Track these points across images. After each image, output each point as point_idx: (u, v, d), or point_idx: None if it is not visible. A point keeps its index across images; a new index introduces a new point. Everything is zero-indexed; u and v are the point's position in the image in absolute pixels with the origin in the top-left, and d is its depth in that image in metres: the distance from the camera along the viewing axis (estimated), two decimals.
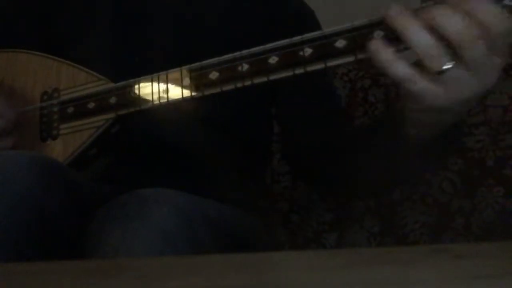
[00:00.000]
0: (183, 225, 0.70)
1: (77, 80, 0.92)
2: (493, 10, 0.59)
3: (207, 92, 0.80)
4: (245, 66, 0.76)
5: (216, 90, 0.79)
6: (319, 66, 0.73)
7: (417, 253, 0.50)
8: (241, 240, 0.88)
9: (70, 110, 0.91)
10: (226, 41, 0.95)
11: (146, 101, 0.84)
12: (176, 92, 0.82)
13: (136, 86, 0.85)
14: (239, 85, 0.77)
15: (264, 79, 0.76)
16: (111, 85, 0.88)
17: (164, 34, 0.98)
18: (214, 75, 0.79)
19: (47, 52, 0.97)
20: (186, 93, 0.81)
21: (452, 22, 0.60)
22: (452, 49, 0.61)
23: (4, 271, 0.51)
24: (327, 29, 0.73)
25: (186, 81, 0.81)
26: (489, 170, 1.27)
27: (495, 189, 1.26)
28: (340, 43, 0.72)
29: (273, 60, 0.75)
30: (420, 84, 0.63)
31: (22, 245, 0.71)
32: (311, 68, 0.74)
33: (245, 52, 0.77)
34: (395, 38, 0.65)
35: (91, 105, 0.89)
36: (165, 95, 0.82)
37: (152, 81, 0.84)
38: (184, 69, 0.81)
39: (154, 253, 0.66)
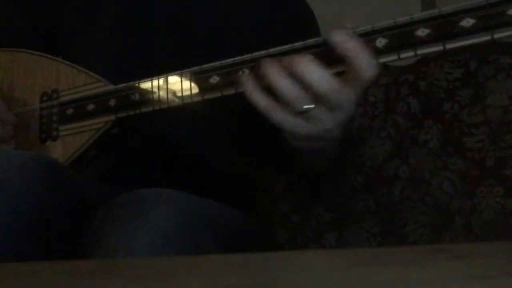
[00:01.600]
0: (183, 225, 0.70)
1: (76, 81, 0.92)
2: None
3: (207, 96, 0.79)
4: (246, 71, 0.76)
5: (217, 94, 0.78)
6: None
7: (417, 253, 0.50)
8: (241, 240, 0.88)
9: (70, 111, 0.91)
10: (227, 44, 0.94)
11: (146, 103, 0.84)
12: (176, 95, 0.82)
13: (136, 89, 0.85)
14: (240, 89, 0.77)
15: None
16: (111, 87, 0.88)
17: (165, 37, 0.98)
18: (214, 79, 0.78)
19: (48, 52, 0.97)
20: (186, 96, 0.81)
21: (313, 73, 0.67)
22: (311, 93, 0.68)
23: (4, 271, 0.51)
24: (330, 36, 0.73)
25: (186, 84, 0.81)
26: (489, 170, 1.27)
27: (495, 189, 1.26)
28: None
29: None
30: (280, 116, 0.70)
31: (22, 245, 0.71)
32: None
33: (246, 56, 0.76)
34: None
35: (91, 107, 0.89)
36: (165, 98, 0.82)
37: (152, 83, 0.83)
38: (185, 72, 0.81)
39: (153, 253, 0.66)
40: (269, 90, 0.70)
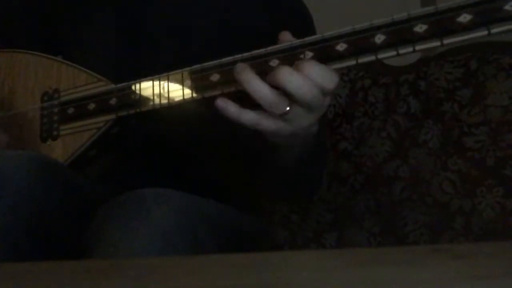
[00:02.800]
0: (183, 225, 0.70)
1: (77, 81, 0.92)
2: (323, 72, 0.71)
3: (208, 94, 0.79)
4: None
5: (217, 92, 0.79)
6: None
7: (417, 253, 0.50)
8: (241, 240, 0.88)
9: (71, 111, 0.91)
10: (227, 43, 0.94)
11: (146, 102, 0.84)
12: (177, 94, 0.82)
13: (137, 87, 0.85)
14: (240, 87, 0.77)
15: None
16: (112, 86, 0.88)
17: (165, 36, 0.98)
18: (215, 77, 0.78)
19: (48, 52, 0.97)
20: (187, 95, 0.81)
21: (291, 81, 0.70)
22: (289, 97, 0.71)
23: (4, 271, 0.51)
24: (328, 32, 0.73)
25: (187, 83, 0.81)
26: (489, 170, 1.27)
27: (495, 189, 1.26)
28: (341, 47, 0.72)
29: (274, 63, 0.74)
30: (265, 124, 0.73)
31: (22, 245, 0.72)
32: None
33: (246, 54, 0.77)
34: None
35: (92, 106, 0.89)
36: (165, 97, 0.82)
37: (153, 82, 0.84)
38: (185, 71, 0.81)
39: (153, 253, 0.66)
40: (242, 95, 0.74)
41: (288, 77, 0.71)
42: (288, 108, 0.72)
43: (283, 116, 0.73)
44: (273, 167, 0.91)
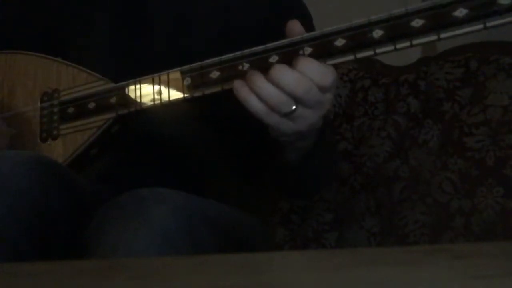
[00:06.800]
0: (183, 225, 0.70)
1: (77, 81, 0.92)
2: (319, 68, 0.73)
3: (208, 91, 0.80)
4: (246, 65, 0.77)
5: (217, 89, 0.79)
6: None
7: (417, 253, 0.50)
8: (241, 240, 0.88)
9: (71, 110, 0.91)
10: (226, 42, 0.94)
11: (146, 100, 0.84)
12: (177, 91, 0.82)
13: (137, 86, 0.85)
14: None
15: None
16: (112, 85, 0.88)
17: (164, 34, 0.98)
18: (215, 74, 0.79)
19: (47, 53, 0.97)
20: (187, 92, 0.81)
21: (288, 79, 0.72)
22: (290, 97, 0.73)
23: (4, 271, 0.51)
24: (326, 28, 0.74)
25: (187, 80, 0.81)
26: (489, 170, 1.27)
27: (495, 189, 1.26)
28: (340, 42, 0.72)
29: (273, 59, 0.75)
30: (271, 119, 0.75)
31: (22, 245, 0.72)
32: None
33: (246, 51, 0.77)
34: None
35: (92, 105, 0.89)
36: (166, 95, 0.82)
37: (153, 81, 0.84)
38: (185, 68, 0.81)
39: (153, 253, 0.66)
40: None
41: (284, 76, 0.72)
42: (294, 107, 0.73)
43: (288, 115, 0.74)
44: (280, 164, 0.91)
